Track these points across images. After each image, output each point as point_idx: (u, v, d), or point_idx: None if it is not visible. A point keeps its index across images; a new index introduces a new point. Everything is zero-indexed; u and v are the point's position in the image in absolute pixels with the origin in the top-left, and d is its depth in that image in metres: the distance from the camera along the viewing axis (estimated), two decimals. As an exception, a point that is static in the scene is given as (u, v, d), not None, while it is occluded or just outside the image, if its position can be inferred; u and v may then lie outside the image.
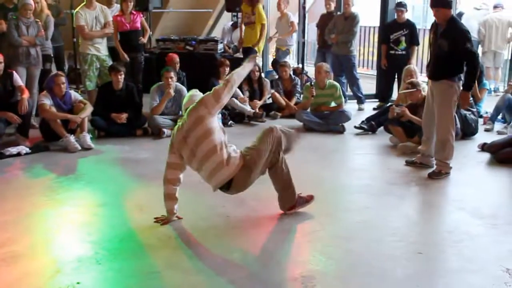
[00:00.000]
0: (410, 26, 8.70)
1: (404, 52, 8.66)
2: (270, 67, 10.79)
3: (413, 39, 8.73)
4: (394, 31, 8.70)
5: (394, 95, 8.72)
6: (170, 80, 7.09)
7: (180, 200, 4.17)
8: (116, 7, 8.58)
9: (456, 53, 5.09)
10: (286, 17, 10.20)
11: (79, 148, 6.29)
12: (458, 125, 6.50)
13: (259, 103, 8.22)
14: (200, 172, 4.07)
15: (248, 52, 8.58)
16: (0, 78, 6.55)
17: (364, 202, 4.64)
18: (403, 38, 8.64)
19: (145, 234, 3.98)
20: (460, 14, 10.07)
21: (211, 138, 3.92)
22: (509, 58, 10.53)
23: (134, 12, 8.13)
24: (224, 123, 7.54)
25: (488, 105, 8.09)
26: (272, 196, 4.34)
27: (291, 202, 4.29)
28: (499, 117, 7.69)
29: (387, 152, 6.35)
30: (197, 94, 4.19)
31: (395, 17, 8.73)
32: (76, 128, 6.54)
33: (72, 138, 6.35)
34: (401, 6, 8.64)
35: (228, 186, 4.06)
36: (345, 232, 4.02)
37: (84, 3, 7.69)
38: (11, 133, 6.75)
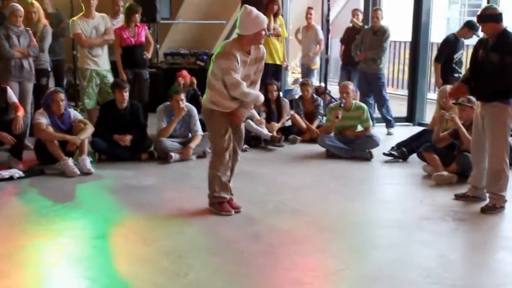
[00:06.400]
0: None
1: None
2: (290, 85, 10.85)
3: None
4: (458, 50, 8.22)
5: (428, 119, 8.73)
6: (181, 103, 7.08)
7: (190, 233, 4.16)
8: (121, 17, 8.58)
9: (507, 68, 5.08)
10: (314, 30, 10.29)
11: (78, 172, 6.32)
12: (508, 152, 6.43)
13: (277, 125, 8.24)
14: None
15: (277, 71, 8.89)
16: (-7, 94, 6.62)
17: (393, 238, 4.63)
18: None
19: (150, 270, 3.99)
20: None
21: None
22: None
23: (139, 25, 8.17)
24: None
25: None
26: (289, 229, 4.32)
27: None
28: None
29: (420, 182, 6.33)
30: None
31: (455, 33, 8.25)
32: (75, 150, 6.58)
33: (70, 161, 6.37)
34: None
35: None
36: (372, 272, 4.00)
37: (83, 12, 7.68)
38: (3, 154, 6.78)
